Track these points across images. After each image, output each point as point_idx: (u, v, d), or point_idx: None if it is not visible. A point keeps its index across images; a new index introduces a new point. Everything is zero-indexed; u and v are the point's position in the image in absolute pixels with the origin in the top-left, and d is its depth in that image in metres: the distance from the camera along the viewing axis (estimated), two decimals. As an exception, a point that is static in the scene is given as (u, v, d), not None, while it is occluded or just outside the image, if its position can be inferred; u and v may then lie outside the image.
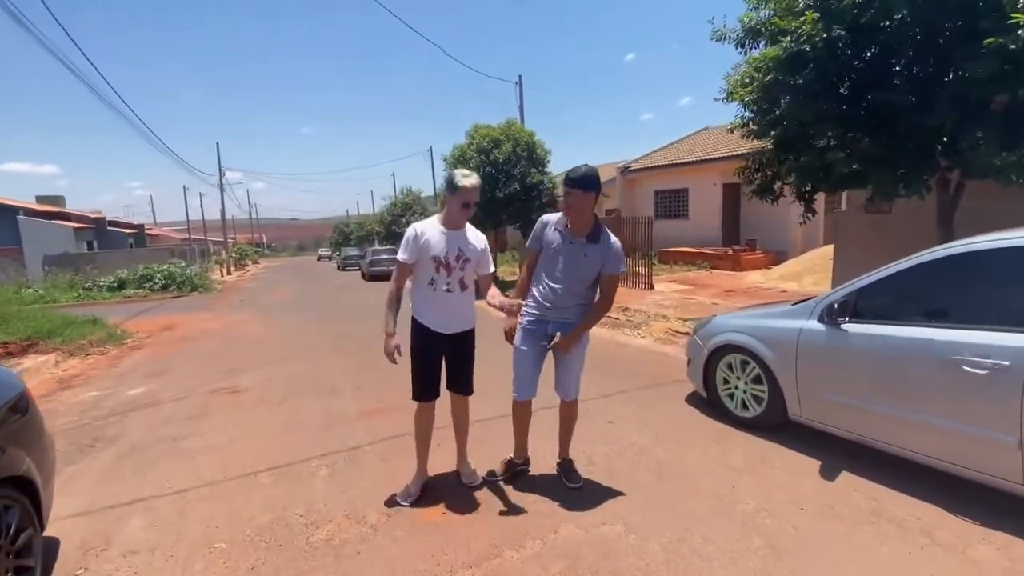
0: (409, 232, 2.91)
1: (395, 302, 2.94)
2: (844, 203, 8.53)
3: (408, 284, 3.02)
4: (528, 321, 3.03)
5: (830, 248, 12.78)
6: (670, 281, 12.93)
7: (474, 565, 2.46)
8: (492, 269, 3.13)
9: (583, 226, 2.88)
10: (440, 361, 3.03)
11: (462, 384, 3.11)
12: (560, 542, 2.62)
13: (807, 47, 4.59)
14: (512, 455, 3.32)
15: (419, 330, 2.97)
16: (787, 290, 10.89)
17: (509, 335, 3.12)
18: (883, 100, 4.50)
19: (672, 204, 19.08)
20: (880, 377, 3.06)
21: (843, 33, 4.49)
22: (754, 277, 13.07)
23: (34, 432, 2.57)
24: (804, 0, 4.80)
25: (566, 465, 3.24)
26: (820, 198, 8.27)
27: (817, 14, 4.58)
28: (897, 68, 4.62)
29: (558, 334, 2.97)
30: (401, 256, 2.92)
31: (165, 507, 3.17)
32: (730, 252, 15.25)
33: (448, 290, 2.90)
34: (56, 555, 2.68)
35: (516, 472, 3.28)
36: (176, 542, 2.78)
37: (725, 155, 16.83)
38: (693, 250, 16.13)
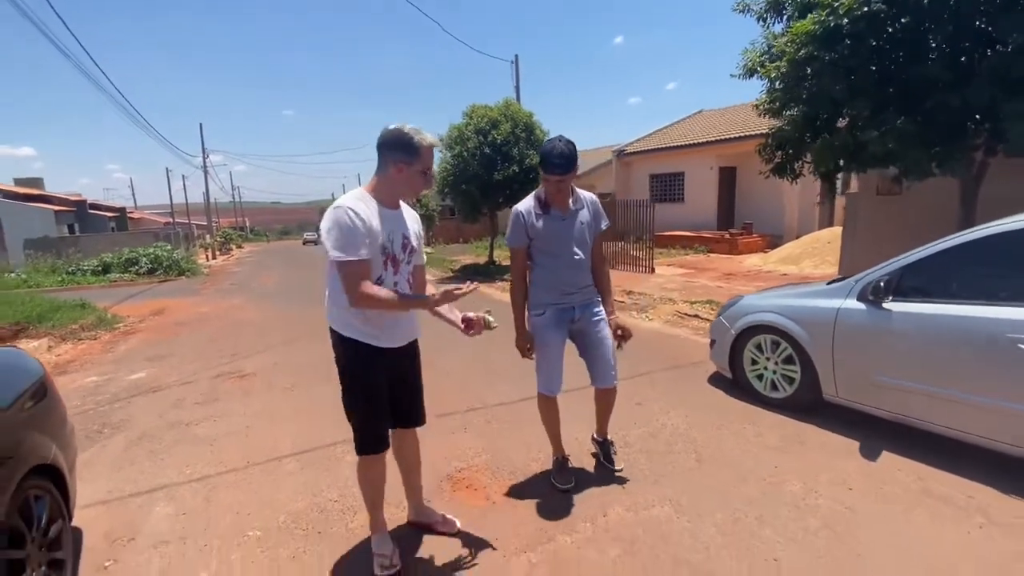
0: (345, 217, 2.01)
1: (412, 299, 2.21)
2: (853, 184, 8.45)
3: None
4: (552, 312, 2.81)
5: (827, 231, 12.85)
6: (669, 265, 12.89)
7: (528, 550, 2.38)
8: (424, 259, 2.45)
9: (566, 198, 2.74)
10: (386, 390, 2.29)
11: (416, 415, 2.44)
12: (612, 525, 2.54)
13: (845, 20, 4.45)
14: (555, 454, 3.05)
15: (357, 352, 2.17)
16: (787, 273, 10.91)
17: (527, 350, 2.80)
18: (918, 76, 4.39)
19: (668, 188, 19.01)
20: (928, 357, 3.00)
21: (882, 7, 4.36)
22: (752, 260, 13.08)
23: (57, 417, 2.42)
24: None
25: (606, 446, 3.14)
26: (816, 181, 8.19)
27: None
28: (933, 44, 4.52)
29: (619, 330, 2.81)
30: (350, 254, 2.01)
31: (189, 495, 3.04)
32: (727, 236, 15.25)
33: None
34: (81, 546, 2.55)
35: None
36: (206, 530, 2.66)
37: (721, 138, 16.77)
38: (690, 234, 16.11)
